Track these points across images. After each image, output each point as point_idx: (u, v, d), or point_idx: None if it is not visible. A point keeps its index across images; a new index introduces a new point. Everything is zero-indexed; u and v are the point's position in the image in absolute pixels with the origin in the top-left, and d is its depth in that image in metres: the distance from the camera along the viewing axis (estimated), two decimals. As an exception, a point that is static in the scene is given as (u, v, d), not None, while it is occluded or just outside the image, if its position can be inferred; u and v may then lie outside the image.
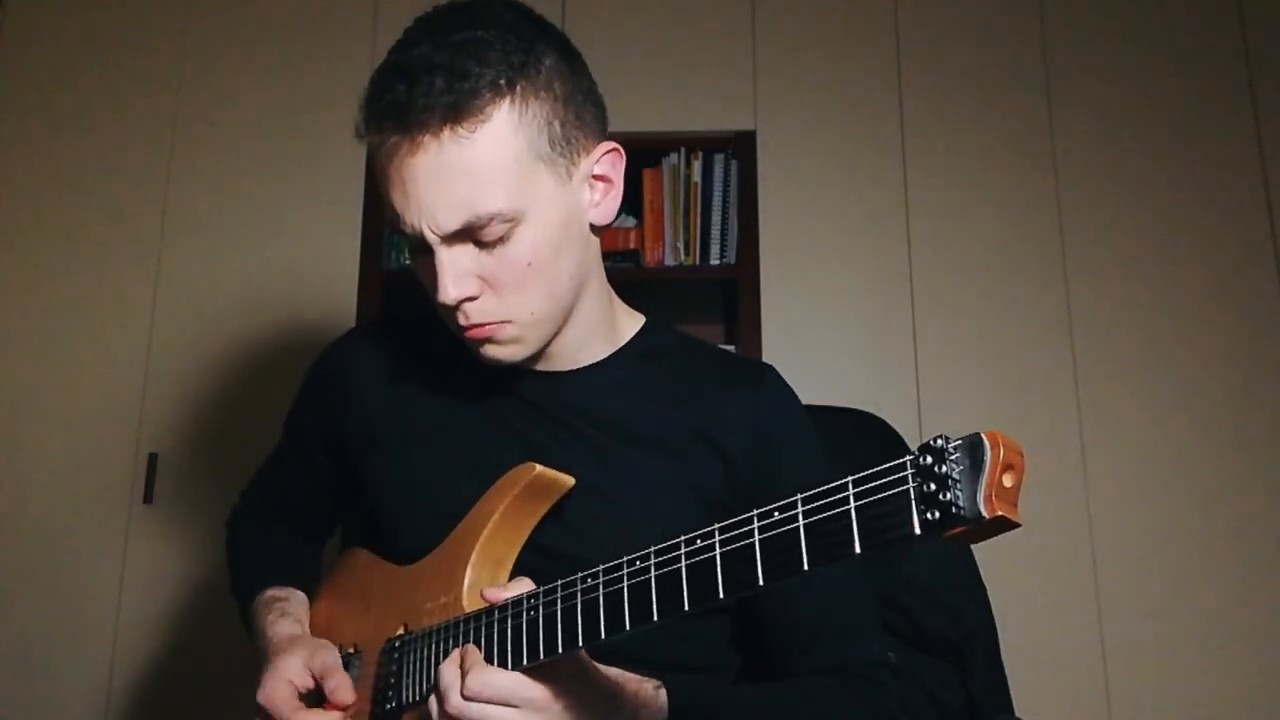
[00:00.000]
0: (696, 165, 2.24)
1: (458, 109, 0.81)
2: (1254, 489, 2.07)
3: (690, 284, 2.25)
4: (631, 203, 2.24)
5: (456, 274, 0.85)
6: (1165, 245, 2.20)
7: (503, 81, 0.83)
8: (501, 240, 0.85)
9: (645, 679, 0.86)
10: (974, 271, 2.20)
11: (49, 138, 2.29)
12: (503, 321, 0.88)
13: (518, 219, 0.85)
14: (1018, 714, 1.35)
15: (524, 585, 0.81)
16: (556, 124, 0.86)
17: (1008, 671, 1.38)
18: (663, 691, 0.86)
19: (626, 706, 0.83)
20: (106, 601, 2.06)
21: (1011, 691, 1.37)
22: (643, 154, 2.22)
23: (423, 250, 0.87)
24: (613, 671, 0.84)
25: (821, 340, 2.18)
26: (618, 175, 0.93)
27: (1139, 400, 2.12)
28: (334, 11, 2.33)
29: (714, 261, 2.19)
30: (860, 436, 1.58)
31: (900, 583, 1.32)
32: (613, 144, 0.93)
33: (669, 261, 2.19)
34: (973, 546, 1.38)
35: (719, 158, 2.25)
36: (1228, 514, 2.06)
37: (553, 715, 0.77)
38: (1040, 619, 2.01)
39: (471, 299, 0.87)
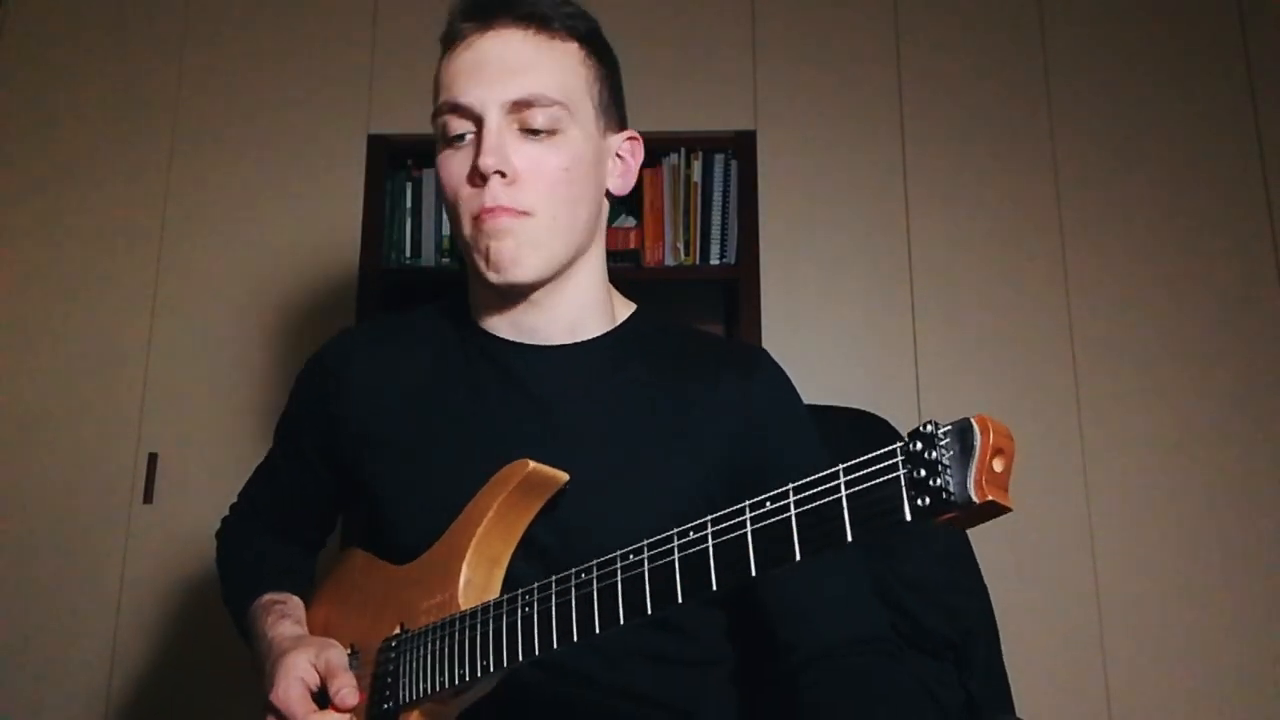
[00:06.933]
0: (696, 165, 2.23)
1: (547, 20, 0.95)
2: (1254, 488, 2.07)
3: (690, 284, 2.25)
4: (631, 203, 2.24)
5: (499, 145, 0.91)
6: (1165, 246, 2.20)
7: (581, 28, 0.98)
8: (549, 134, 0.93)
9: None
10: (974, 271, 2.20)
11: (49, 138, 2.29)
12: (524, 212, 0.91)
13: (569, 113, 0.94)
14: (1018, 714, 1.35)
15: None
16: (606, 88, 1.00)
17: (1008, 671, 1.38)
18: None
19: None
20: (106, 601, 2.06)
21: (1012, 691, 1.37)
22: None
23: (457, 139, 0.93)
24: None
25: (821, 340, 2.18)
26: (635, 159, 1.04)
27: (1139, 400, 2.12)
28: (334, 11, 2.33)
29: (714, 261, 2.19)
30: (860, 436, 1.57)
31: (901, 583, 1.31)
32: (633, 131, 1.05)
33: (669, 261, 2.19)
34: (974, 546, 1.38)
35: (719, 158, 2.24)
36: (1228, 513, 2.06)
37: None
38: (1040, 619, 2.01)
39: (503, 175, 0.91)
